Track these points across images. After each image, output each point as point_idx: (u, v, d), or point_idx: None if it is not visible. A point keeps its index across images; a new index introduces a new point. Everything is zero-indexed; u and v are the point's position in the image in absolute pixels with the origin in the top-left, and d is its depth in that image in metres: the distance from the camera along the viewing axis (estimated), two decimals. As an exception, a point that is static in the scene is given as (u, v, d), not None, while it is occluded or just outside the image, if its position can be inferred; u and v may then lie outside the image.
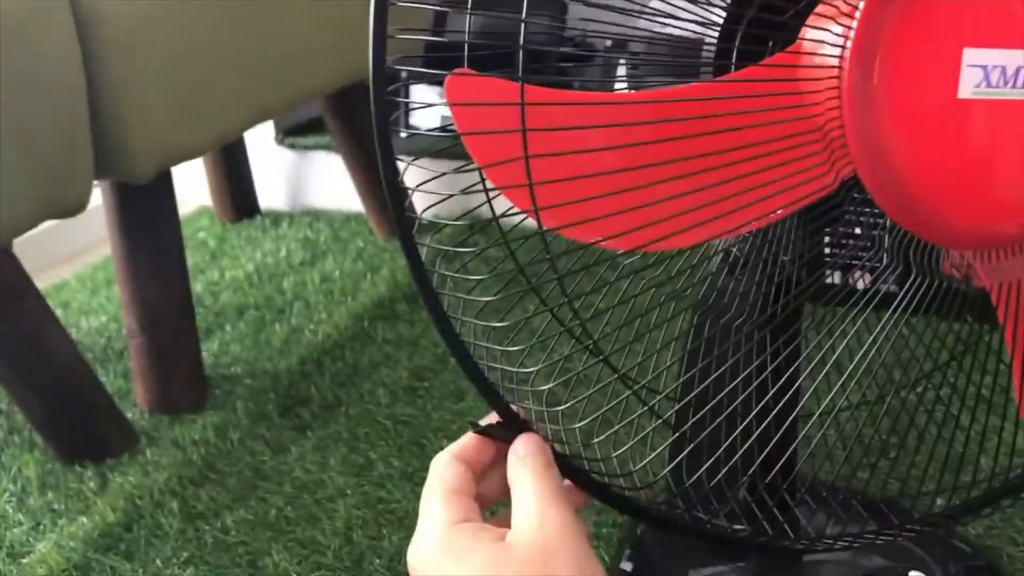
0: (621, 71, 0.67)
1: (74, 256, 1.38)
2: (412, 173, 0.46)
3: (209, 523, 0.79)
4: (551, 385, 0.46)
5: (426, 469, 0.85)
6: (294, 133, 1.48)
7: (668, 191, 0.40)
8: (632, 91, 0.50)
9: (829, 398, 0.50)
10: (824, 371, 0.48)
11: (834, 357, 0.47)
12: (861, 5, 0.39)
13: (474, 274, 0.43)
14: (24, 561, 0.76)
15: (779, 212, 0.42)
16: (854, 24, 0.39)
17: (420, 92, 1.32)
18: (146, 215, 0.93)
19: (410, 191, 0.41)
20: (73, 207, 0.81)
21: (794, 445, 0.52)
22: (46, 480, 0.86)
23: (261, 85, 0.99)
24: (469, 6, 0.41)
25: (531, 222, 0.42)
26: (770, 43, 0.43)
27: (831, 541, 0.53)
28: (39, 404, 0.85)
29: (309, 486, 0.83)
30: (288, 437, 0.90)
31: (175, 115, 0.88)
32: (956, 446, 0.54)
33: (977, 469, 0.55)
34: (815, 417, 0.50)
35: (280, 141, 1.48)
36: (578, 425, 0.46)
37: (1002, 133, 0.40)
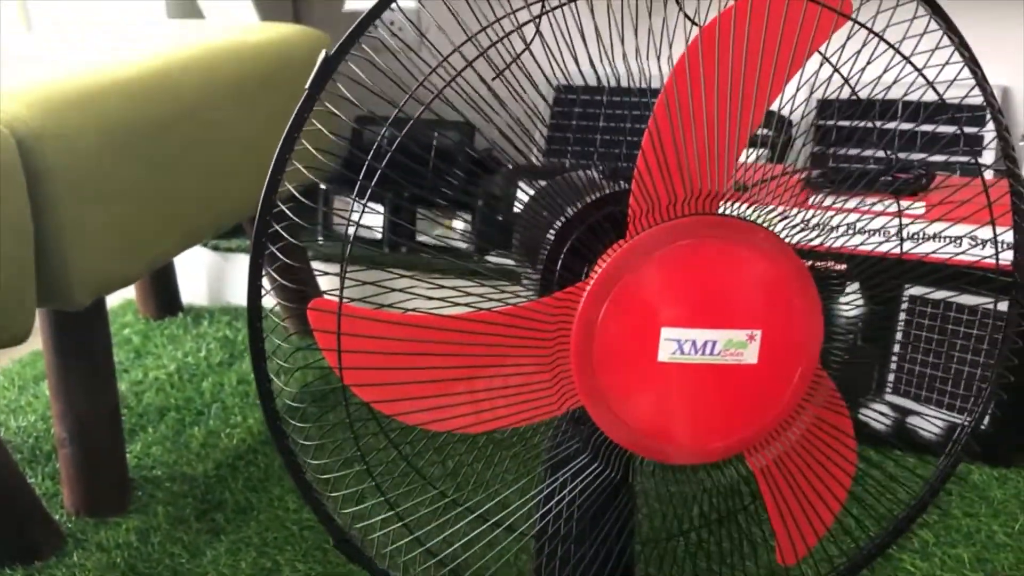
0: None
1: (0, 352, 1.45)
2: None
3: (130, 624, 0.89)
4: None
5: (328, 574, 0.98)
6: (217, 236, 1.59)
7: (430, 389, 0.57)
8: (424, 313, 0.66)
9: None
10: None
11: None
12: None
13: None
14: (-42, 660, 0.84)
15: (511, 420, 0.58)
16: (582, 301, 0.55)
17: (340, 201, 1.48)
18: (80, 337, 1.02)
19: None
20: (18, 337, 0.90)
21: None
22: (-23, 581, 0.94)
23: (190, 215, 1.10)
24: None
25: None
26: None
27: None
28: (-26, 512, 0.94)
29: (222, 588, 0.93)
30: (204, 540, 1.00)
31: (112, 250, 0.98)
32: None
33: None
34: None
35: (204, 243, 1.58)
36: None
37: (694, 384, 0.56)
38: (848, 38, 0.59)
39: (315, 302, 0.58)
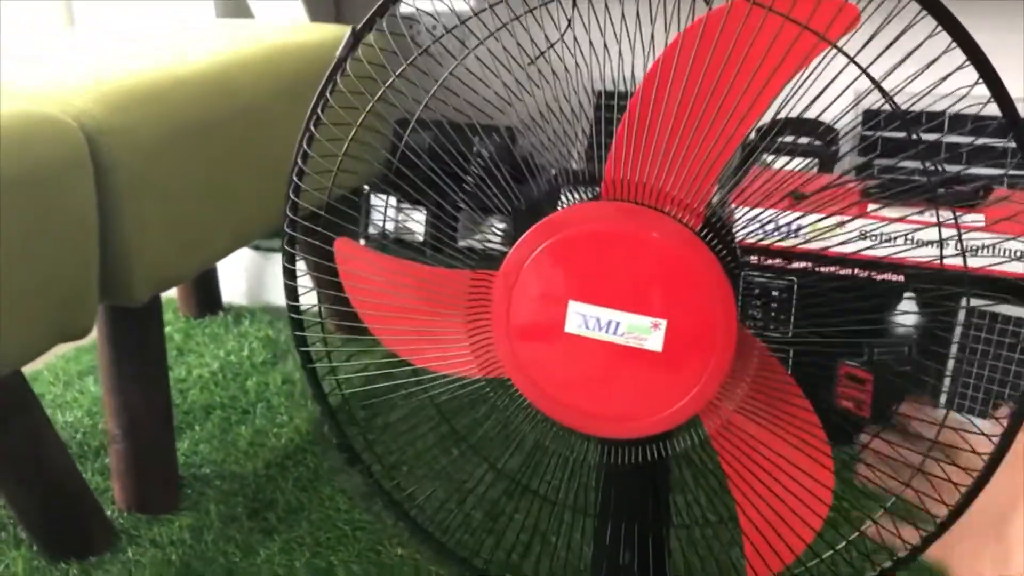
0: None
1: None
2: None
3: (188, 621, 0.88)
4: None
5: (384, 575, 0.98)
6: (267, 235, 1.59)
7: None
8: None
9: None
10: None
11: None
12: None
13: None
14: (17, 654, 0.84)
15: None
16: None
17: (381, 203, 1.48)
18: (135, 333, 1.03)
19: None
20: (81, 331, 0.91)
21: None
22: (33, 575, 0.94)
23: (244, 214, 1.10)
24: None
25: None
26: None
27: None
28: (32, 506, 0.94)
29: (277, 588, 0.93)
30: (256, 539, 1.00)
31: (172, 246, 0.98)
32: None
33: None
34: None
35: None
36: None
37: (599, 360, 0.57)
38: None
39: (339, 241, 0.66)
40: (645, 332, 0.56)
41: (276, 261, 1.59)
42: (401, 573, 0.93)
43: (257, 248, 1.58)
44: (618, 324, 0.57)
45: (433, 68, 0.63)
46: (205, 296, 1.54)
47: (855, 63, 0.57)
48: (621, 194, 0.58)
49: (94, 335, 1.04)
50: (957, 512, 0.59)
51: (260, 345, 1.43)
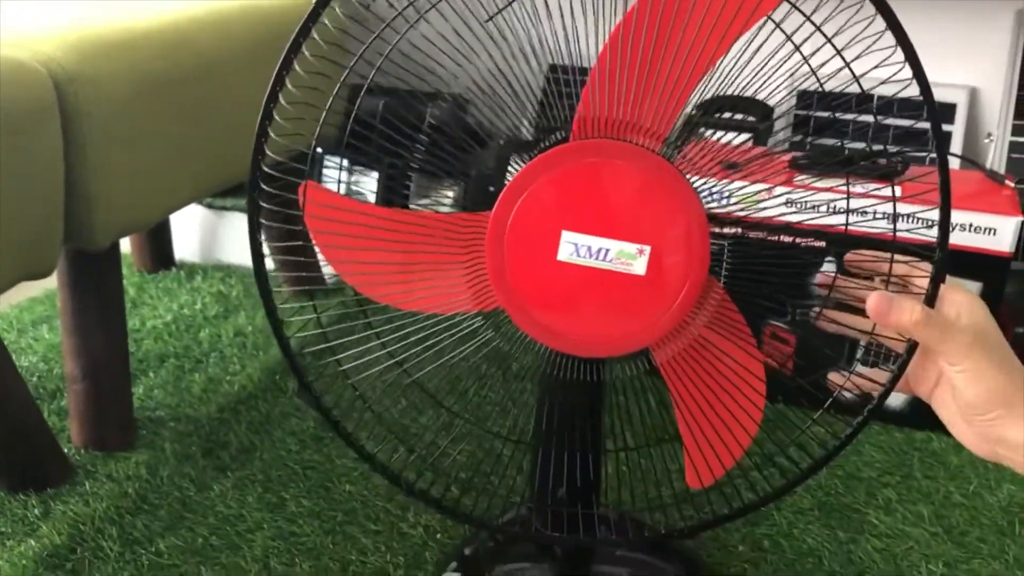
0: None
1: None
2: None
3: (145, 548, 0.93)
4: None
5: (333, 509, 1.03)
6: (220, 191, 1.62)
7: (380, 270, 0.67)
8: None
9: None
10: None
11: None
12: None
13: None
14: (-21, 576, 0.88)
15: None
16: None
17: (333, 164, 1.52)
18: (96, 276, 1.06)
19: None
20: (44, 271, 0.94)
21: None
22: (-8, 505, 0.98)
23: (203, 168, 1.14)
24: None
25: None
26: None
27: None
28: (-7, 440, 0.98)
29: (230, 519, 0.98)
30: (210, 476, 1.04)
31: (134, 194, 1.02)
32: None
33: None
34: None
35: (199, 200, 1.61)
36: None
37: (586, 284, 0.63)
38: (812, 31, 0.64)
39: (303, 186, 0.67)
40: (631, 258, 0.62)
41: (228, 219, 1.62)
42: (350, 507, 0.98)
43: (210, 206, 1.61)
44: (607, 251, 0.62)
45: (389, 32, 0.67)
46: (158, 252, 1.57)
47: (811, 20, 0.63)
48: (596, 132, 0.63)
49: (49, 284, 1.07)
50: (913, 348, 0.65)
51: (212, 299, 1.47)
